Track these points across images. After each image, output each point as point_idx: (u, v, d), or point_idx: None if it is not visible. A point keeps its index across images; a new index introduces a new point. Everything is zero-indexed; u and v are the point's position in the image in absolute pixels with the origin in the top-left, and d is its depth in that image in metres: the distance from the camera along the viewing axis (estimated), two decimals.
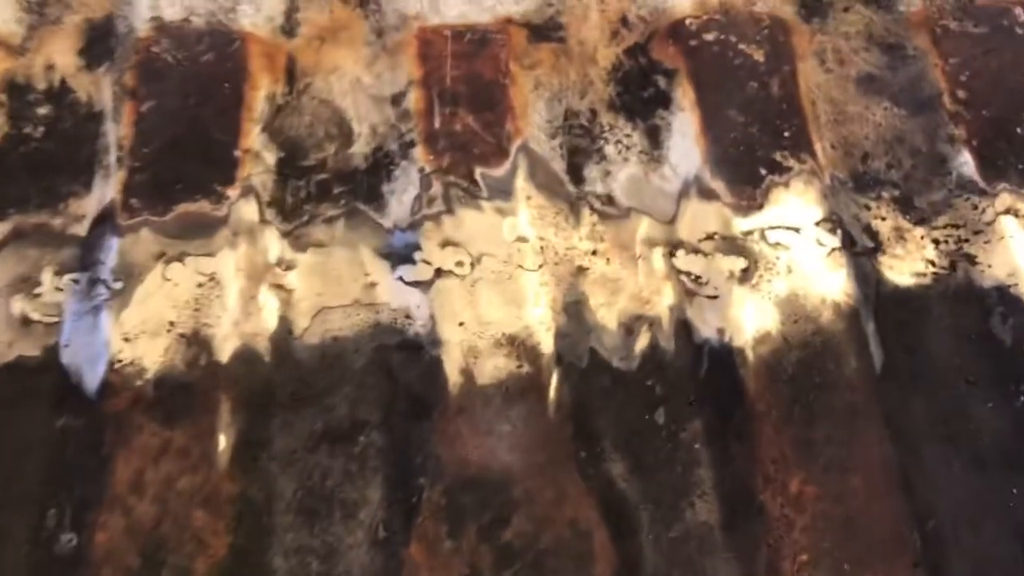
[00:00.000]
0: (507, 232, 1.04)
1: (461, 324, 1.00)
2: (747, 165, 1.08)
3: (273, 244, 1.04)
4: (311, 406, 0.96)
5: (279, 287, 1.02)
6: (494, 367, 0.98)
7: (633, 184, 1.11)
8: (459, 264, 1.03)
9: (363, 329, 1.02)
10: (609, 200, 1.10)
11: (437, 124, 1.10)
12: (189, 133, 1.06)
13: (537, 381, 0.98)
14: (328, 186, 1.09)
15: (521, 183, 1.07)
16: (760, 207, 1.05)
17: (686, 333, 1.03)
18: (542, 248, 1.05)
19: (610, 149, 1.12)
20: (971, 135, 1.05)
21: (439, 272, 1.03)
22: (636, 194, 1.10)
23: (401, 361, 1.00)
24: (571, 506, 0.86)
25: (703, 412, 0.93)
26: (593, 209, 1.09)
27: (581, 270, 1.06)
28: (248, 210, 1.04)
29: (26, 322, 0.92)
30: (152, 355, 0.94)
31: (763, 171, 1.08)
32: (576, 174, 1.11)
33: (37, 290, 0.99)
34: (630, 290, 1.05)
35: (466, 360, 0.98)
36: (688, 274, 1.05)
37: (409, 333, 1.01)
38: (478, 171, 1.07)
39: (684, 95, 1.12)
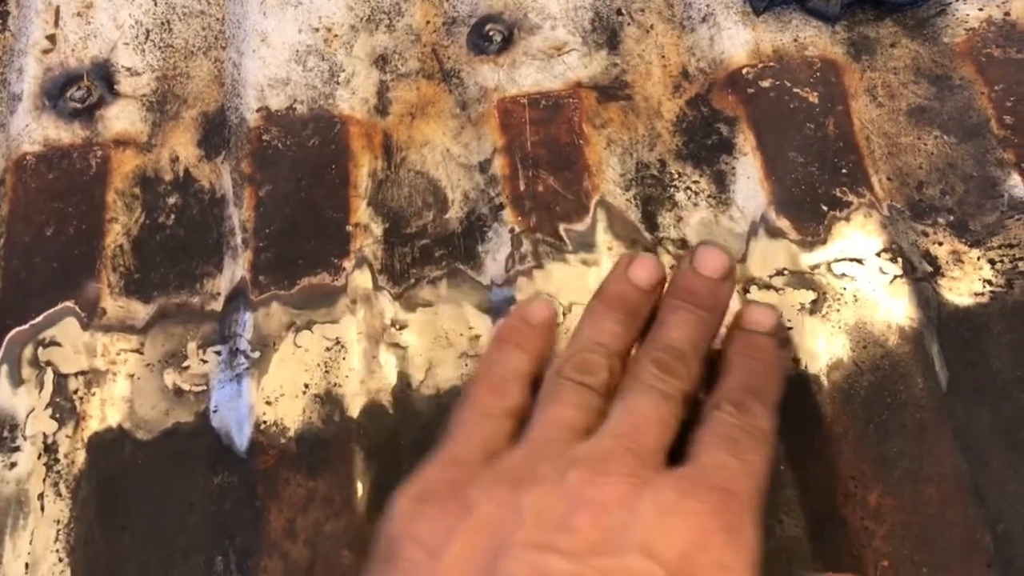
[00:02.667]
0: (593, 281, 1.05)
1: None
2: (809, 203, 1.10)
3: (387, 307, 1.08)
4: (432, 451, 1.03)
5: (395, 345, 1.06)
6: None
7: (704, 227, 1.13)
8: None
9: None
10: (683, 244, 1.11)
11: (522, 187, 1.14)
12: (304, 212, 1.11)
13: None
14: (430, 250, 1.12)
15: (602, 235, 1.10)
16: (824, 242, 1.08)
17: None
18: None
19: (680, 196, 1.15)
20: (1019, 158, 1.13)
21: None
22: (707, 236, 1.12)
23: None
24: None
25: (784, 437, 1.02)
26: (669, 253, 1.11)
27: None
28: (363, 278, 1.08)
29: (178, 392, 1.04)
30: (292, 415, 1.00)
31: (824, 207, 1.10)
32: (651, 221, 1.13)
33: (185, 363, 1.05)
34: None
35: None
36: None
37: None
38: (562, 227, 1.11)
39: (746, 140, 1.15)
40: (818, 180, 1.12)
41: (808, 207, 1.10)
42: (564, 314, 1.07)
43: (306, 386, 1.07)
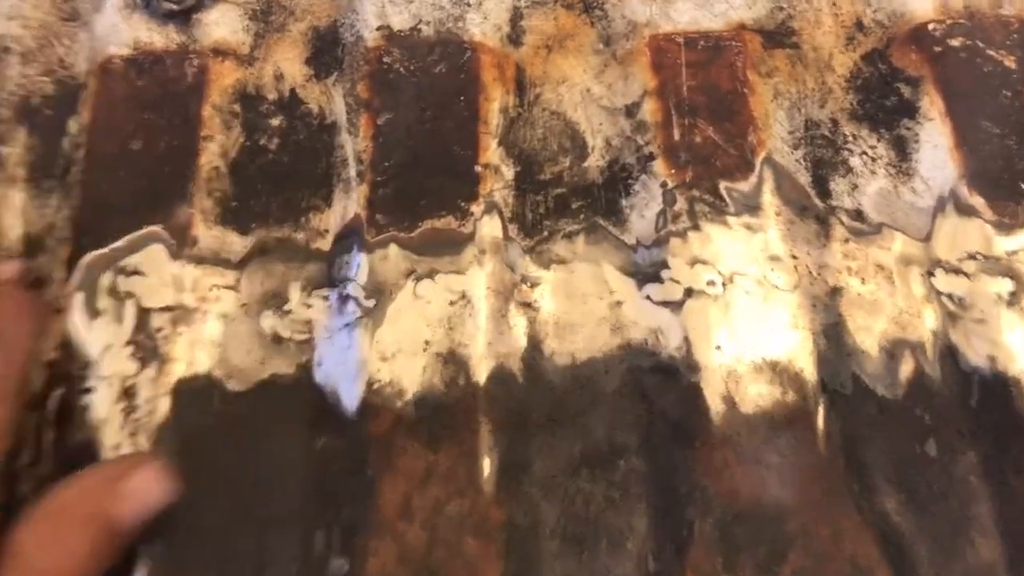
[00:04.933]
0: (759, 249, 0.98)
1: (718, 348, 0.95)
2: (1007, 179, 1.00)
3: (518, 260, 0.99)
4: (568, 428, 0.93)
5: (527, 305, 0.98)
6: (758, 394, 0.93)
7: (883, 198, 1.04)
8: (711, 284, 0.98)
9: (612, 350, 0.97)
10: (859, 215, 1.02)
11: (676, 136, 1.05)
12: (429, 147, 1.02)
13: (804, 410, 0.93)
14: (566, 200, 1.03)
15: (769, 197, 1.01)
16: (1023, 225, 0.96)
17: (952, 360, 0.96)
18: (795, 267, 0.99)
19: (856, 161, 1.05)
20: None
21: (689, 292, 0.98)
22: (887, 209, 1.03)
23: (656, 385, 0.95)
24: (850, 542, 0.82)
25: (977, 444, 0.91)
26: (843, 224, 1.02)
27: (836, 290, 0.99)
28: (492, 226, 0.99)
29: (277, 339, 0.94)
30: (410, 375, 0.91)
31: (1023, 185, 0.99)
32: (822, 187, 1.04)
33: (286, 307, 0.98)
34: (889, 312, 0.98)
35: (727, 386, 0.93)
36: (950, 296, 0.98)
37: (663, 356, 0.96)
38: (723, 185, 1.02)
39: (932, 104, 1.05)
40: (1016, 155, 1.01)
41: (1005, 184, 0.99)
42: (724, 284, 1.00)
43: (427, 343, 0.96)
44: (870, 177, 1.04)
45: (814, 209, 1.01)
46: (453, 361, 0.93)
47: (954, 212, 0.99)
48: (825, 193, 1.04)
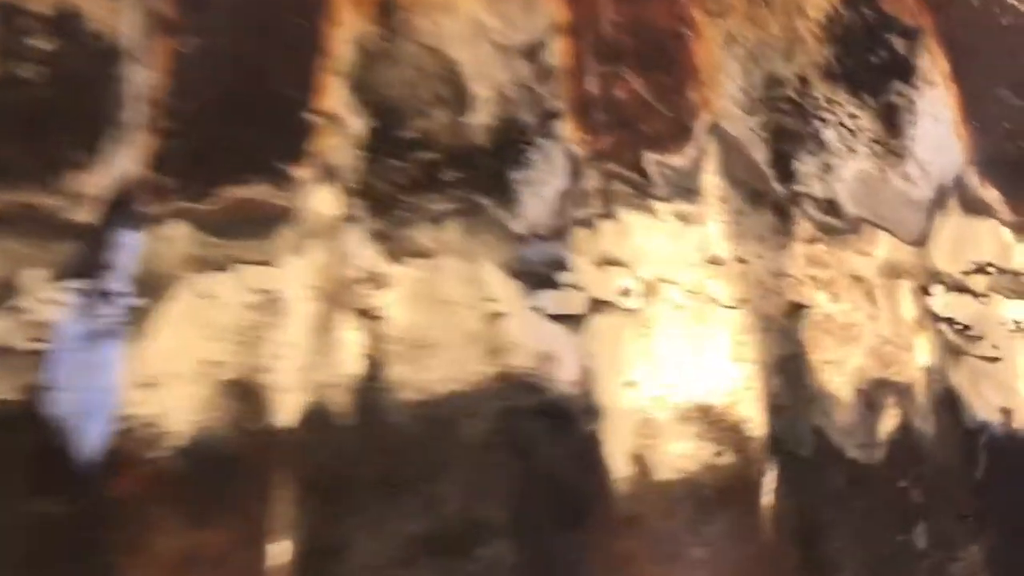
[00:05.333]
0: (694, 248, 0.83)
1: (630, 385, 0.78)
2: None
3: (359, 250, 0.79)
4: (410, 495, 0.74)
5: (367, 314, 0.78)
6: (681, 454, 0.76)
7: (865, 186, 0.88)
8: (625, 293, 0.80)
9: (484, 382, 0.78)
10: (831, 207, 0.87)
11: (592, 88, 0.86)
12: (246, 85, 0.81)
13: (745, 479, 0.76)
14: (437, 170, 0.83)
15: (711, 177, 0.85)
16: None
17: (952, 411, 0.82)
18: (743, 274, 0.83)
19: (830, 134, 0.89)
20: None
21: (596, 304, 0.80)
22: (869, 200, 0.88)
23: (540, 436, 0.77)
24: None
25: (985, 533, 0.77)
26: (810, 218, 0.86)
27: (798, 309, 0.83)
28: (325, 200, 0.79)
29: (3, 348, 0.70)
30: (183, 410, 0.70)
31: None
32: (784, 167, 0.88)
33: (16, 301, 0.72)
34: (868, 342, 0.82)
35: (638, 441, 0.76)
36: (951, 322, 0.84)
37: (552, 393, 0.78)
38: (650, 158, 0.85)
39: (933, 64, 0.91)
40: None
41: None
42: (644, 295, 0.80)
43: (212, 364, 0.72)
44: (848, 156, 0.90)
45: (771, 196, 0.86)
46: (247, 394, 0.72)
47: (959, 208, 0.87)
48: (787, 175, 0.89)
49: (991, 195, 0.86)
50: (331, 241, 0.78)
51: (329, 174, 0.80)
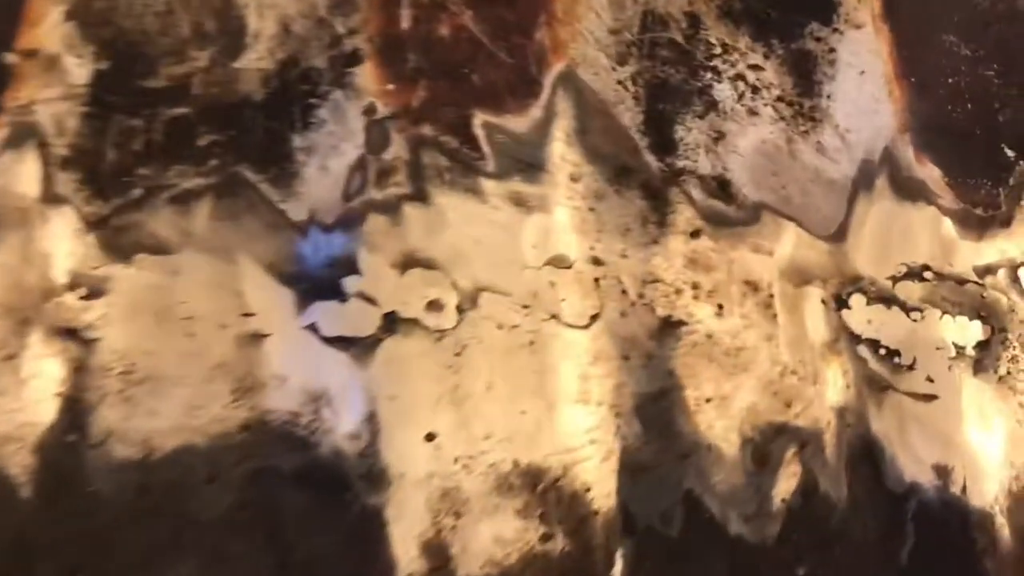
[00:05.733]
0: (531, 244, 0.66)
1: (430, 439, 0.61)
2: (982, 138, 0.72)
3: (67, 244, 0.62)
4: None
5: (71, 336, 0.61)
6: (495, 538, 0.59)
7: (768, 160, 0.72)
8: (433, 307, 0.64)
9: (229, 433, 0.61)
10: (723, 189, 0.71)
11: (404, 24, 0.70)
12: None
13: (582, 570, 0.59)
14: (189, 130, 0.66)
15: (561, 148, 0.68)
16: (1009, 221, 0.71)
17: (872, 469, 0.66)
18: (598, 280, 0.66)
19: (725, 91, 0.73)
20: None
21: (393, 323, 0.63)
22: (773, 179, 0.71)
23: (303, 512, 0.60)
24: None
25: None
26: (694, 204, 0.70)
27: (671, 328, 0.67)
28: (19, 173, 0.62)
29: None
30: None
31: (1010, 153, 0.72)
32: (662, 135, 0.71)
33: None
34: (764, 372, 0.66)
35: (438, 521, 0.59)
36: (875, 345, 0.68)
37: (322, 451, 0.61)
38: (480, 120, 0.68)
39: (860, 0, 0.75)
40: (1000, 96, 0.72)
41: (981, 147, 0.71)
42: (461, 311, 0.65)
43: None
44: (748, 121, 0.73)
45: (643, 173, 0.69)
46: None
47: (889, 191, 0.70)
48: (666, 145, 0.72)
49: (930, 174, 0.70)
50: (23, 231, 0.62)
51: (29, 134, 0.64)
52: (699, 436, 0.64)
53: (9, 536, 0.57)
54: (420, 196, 0.66)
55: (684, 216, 0.69)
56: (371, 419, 0.62)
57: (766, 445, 0.65)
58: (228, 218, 0.65)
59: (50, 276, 0.62)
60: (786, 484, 0.64)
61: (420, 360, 0.62)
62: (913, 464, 0.64)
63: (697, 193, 0.70)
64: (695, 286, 0.67)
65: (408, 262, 0.65)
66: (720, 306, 0.67)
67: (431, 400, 0.62)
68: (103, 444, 0.59)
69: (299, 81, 0.69)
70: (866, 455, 0.65)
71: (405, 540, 0.59)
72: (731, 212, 0.70)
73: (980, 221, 0.69)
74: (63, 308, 0.61)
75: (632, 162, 0.69)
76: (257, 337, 0.63)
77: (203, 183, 0.65)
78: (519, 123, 0.68)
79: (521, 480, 0.60)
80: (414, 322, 0.64)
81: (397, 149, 0.67)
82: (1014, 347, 0.68)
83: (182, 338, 0.62)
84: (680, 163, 0.70)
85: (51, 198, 0.63)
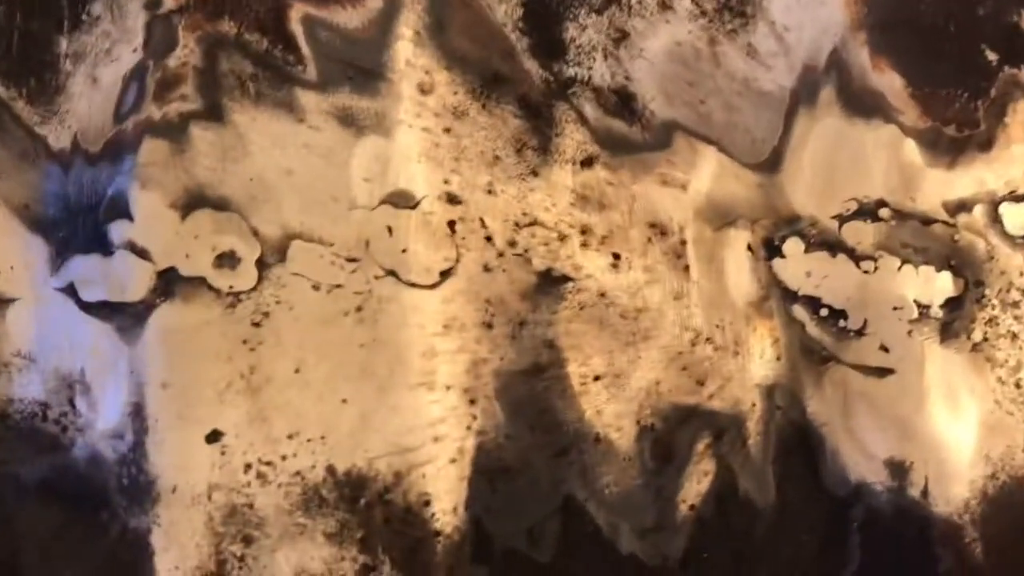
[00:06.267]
0: (363, 176, 0.54)
1: (214, 439, 0.50)
2: (958, 39, 0.61)
3: None
4: None
5: None
6: (297, 571, 0.49)
7: (683, 67, 0.60)
8: (226, 260, 0.52)
9: None
10: (624, 102, 0.58)
11: None
12: None
13: None
14: None
15: (407, 48, 0.55)
16: (989, 143, 0.59)
17: (808, 465, 0.55)
18: (452, 224, 0.54)
19: None
20: None
21: (169, 280, 0.51)
22: (689, 92, 0.59)
23: (48, 536, 0.49)
24: None
25: None
26: (586, 123, 0.57)
27: (549, 281, 0.55)
28: None
29: None
30: None
31: (992, 55, 0.61)
32: (545, 32, 0.59)
33: None
34: (670, 340, 0.55)
35: (221, 547, 0.49)
36: (815, 305, 0.57)
37: (74, 451, 0.50)
38: (297, 11, 0.55)
39: None
40: None
41: (955, 51, 0.63)
42: (264, 266, 0.55)
43: None
44: (658, 16, 0.61)
45: (520, 83, 0.58)
46: None
47: (837, 106, 0.61)
48: (552, 48, 0.60)
49: (890, 83, 0.59)
50: None
51: None
52: (583, 425, 0.54)
53: None
54: (213, 114, 0.54)
55: (573, 139, 0.58)
56: (137, 413, 0.51)
57: (670, 435, 0.55)
58: None
59: None
60: (696, 486, 0.54)
61: (205, 333, 0.52)
62: (860, 459, 0.55)
63: (591, 110, 0.59)
64: (584, 230, 0.57)
65: (193, 202, 0.53)
66: (616, 256, 0.57)
67: (217, 387, 0.51)
68: None
69: None
70: (801, 447, 0.56)
71: (182, 564, 0.49)
72: (634, 134, 0.60)
73: (952, 143, 0.58)
74: None
75: (505, 69, 0.59)
76: (2, 303, 0.53)
77: None
78: (351, 16, 0.56)
79: (336, 493, 0.51)
80: (199, 281, 0.52)
81: (186, 52, 0.55)
82: (993, 305, 0.57)
83: None
84: (570, 71, 0.60)
85: None
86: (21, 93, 0.57)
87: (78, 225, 0.54)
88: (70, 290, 0.53)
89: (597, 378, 0.57)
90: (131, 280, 0.53)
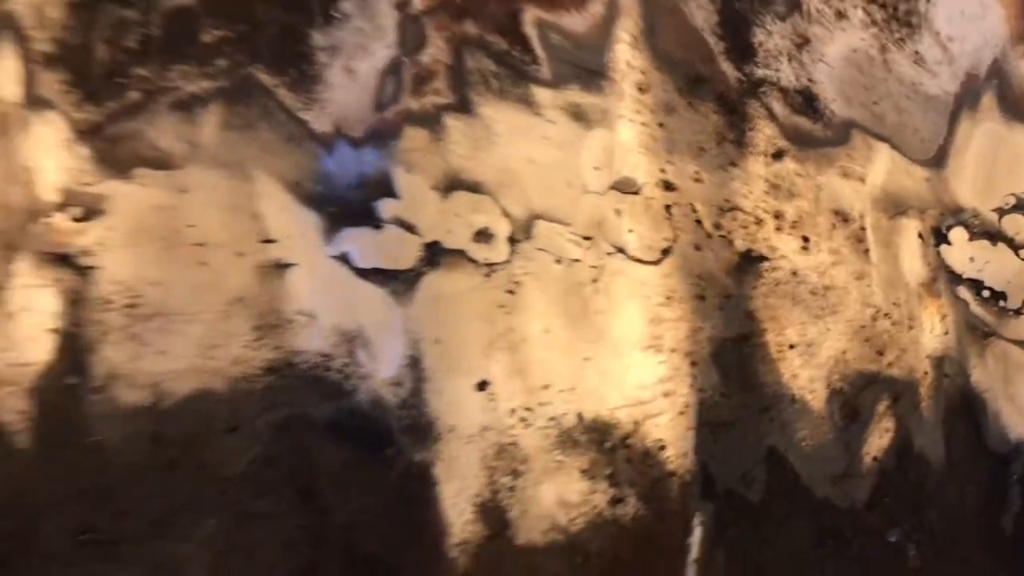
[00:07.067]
0: (593, 164, 0.61)
1: (483, 388, 0.57)
2: None
3: (52, 155, 0.56)
4: (126, 560, 0.53)
5: (64, 264, 0.56)
6: (558, 502, 0.56)
7: (858, 72, 0.66)
8: (482, 236, 0.59)
9: (251, 376, 0.57)
10: (807, 101, 0.65)
11: None
12: None
13: (658, 537, 0.57)
14: (191, 24, 0.60)
15: (626, 51, 0.62)
16: None
17: (972, 425, 0.62)
18: (668, 208, 0.61)
19: None
20: None
21: (436, 254, 0.59)
22: (864, 94, 0.66)
23: (338, 468, 0.56)
24: None
25: None
26: (774, 119, 0.64)
27: (749, 260, 0.62)
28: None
29: None
30: None
31: None
32: (738, 38, 0.65)
33: None
34: (854, 314, 0.62)
35: (494, 479, 0.56)
36: (978, 286, 0.63)
37: (358, 398, 0.57)
38: (531, 15, 0.61)
39: None
40: None
41: None
42: (513, 241, 0.59)
43: None
44: (835, 25, 0.68)
45: (718, 83, 0.64)
46: None
47: (997, 110, 0.65)
48: (744, 51, 0.66)
49: None
50: (2, 141, 0.57)
51: (2, 27, 0.58)
52: (782, 387, 0.65)
53: (7, 492, 0.57)
54: (464, 107, 0.64)
55: (764, 134, 0.69)
56: (414, 364, 0.61)
57: (856, 397, 0.64)
58: (241, 128, 0.65)
59: (36, 194, 0.60)
60: (878, 441, 0.64)
61: (468, 298, 0.62)
62: (1020, 421, 0.63)
63: (779, 108, 0.70)
64: (778, 215, 0.68)
65: (451, 184, 0.63)
66: (806, 239, 0.68)
67: (481, 344, 0.61)
68: (107, 388, 0.59)
69: None
70: (966, 410, 0.65)
71: (457, 502, 0.59)
72: (818, 131, 0.70)
73: None
74: (53, 230, 0.60)
75: (705, 70, 0.69)
76: (280, 267, 0.62)
77: (211, 87, 0.63)
78: (577, 21, 0.66)
79: (587, 436, 0.61)
80: (460, 254, 0.62)
81: (436, 51, 0.65)
82: None
83: (194, 267, 0.62)
84: (760, 72, 0.70)
85: (34, 102, 0.63)
86: (283, 81, 0.67)
87: (346, 200, 0.64)
88: (343, 258, 0.62)
89: (792, 347, 0.67)
90: (402, 251, 0.63)
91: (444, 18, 0.66)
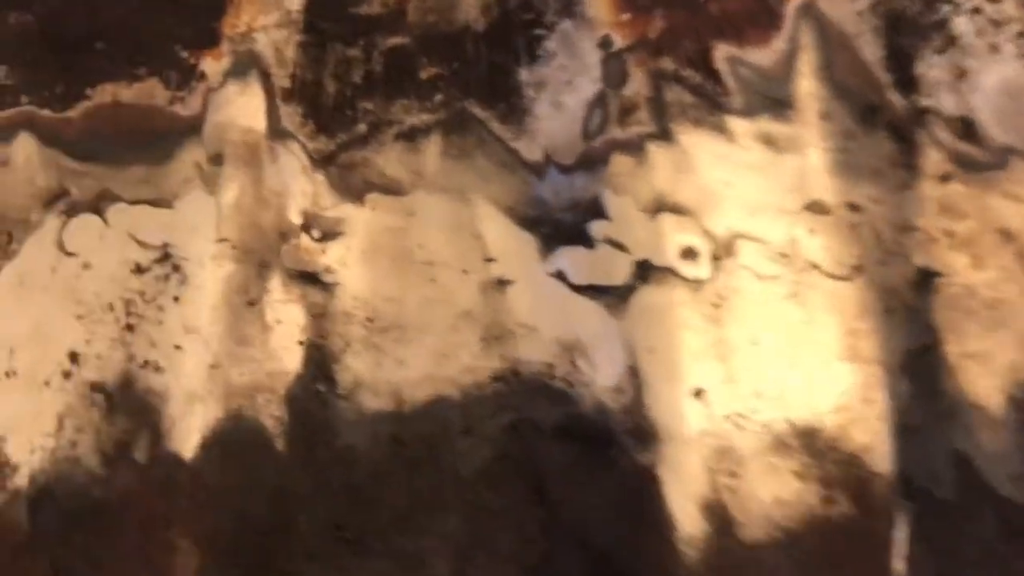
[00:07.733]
0: (787, 188, 0.64)
1: (698, 394, 0.61)
2: None
3: (295, 181, 0.62)
4: (373, 555, 0.58)
5: (311, 279, 0.61)
6: (775, 501, 0.59)
7: (1012, 100, 0.68)
8: (689, 255, 0.63)
9: (481, 383, 0.61)
10: (968, 130, 0.67)
11: None
12: None
13: (866, 533, 0.59)
14: (410, 62, 0.65)
15: (808, 83, 0.66)
16: None
17: None
18: (856, 227, 0.64)
19: (963, 24, 0.69)
20: None
21: (646, 270, 0.63)
22: (1019, 120, 0.67)
23: (567, 468, 0.60)
24: None
25: None
26: (940, 145, 0.67)
27: (926, 276, 0.65)
28: (245, 105, 0.62)
29: None
30: (28, 438, 0.55)
31: None
32: (902, 71, 0.68)
33: None
34: (1021, 327, 0.64)
35: (715, 481, 0.59)
36: None
37: (582, 404, 0.61)
38: (722, 52, 0.66)
39: None
40: None
41: None
42: (716, 257, 0.63)
43: (72, 359, 0.56)
44: (989, 57, 0.69)
45: (887, 112, 0.67)
46: (125, 404, 0.55)
47: None
48: (908, 82, 0.69)
49: None
50: (254, 169, 0.63)
51: (252, 64, 0.64)
52: (963, 395, 0.67)
53: (268, 489, 0.62)
54: (665, 135, 0.68)
55: (932, 159, 0.71)
56: (634, 373, 0.64)
57: None
58: (460, 156, 0.69)
59: (285, 216, 0.64)
60: None
61: (679, 311, 0.65)
62: None
63: (943, 135, 0.71)
64: (949, 234, 0.70)
65: (657, 206, 0.66)
66: (976, 256, 0.69)
67: (694, 354, 0.64)
68: (352, 395, 0.63)
69: (521, 9, 0.72)
70: None
71: (682, 500, 0.62)
72: (980, 155, 0.72)
73: None
74: (300, 250, 0.64)
75: (877, 100, 0.71)
76: (501, 283, 0.66)
77: (430, 119, 0.68)
78: (762, 56, 0.69)
79: (796, 441, 0.64)
80: (668, 271, 0.65)
81: (637, 84, 0.68)
82: None
83: (425, 284, 0.66)
84: (924, 102, 0.72)
85: (277, 133, 0.67)
86: (495, 114, 0.71)
87: (559, 221, 0.68)
88: (559, 275, 0.66)
89: (969, 356, 0.70)
90: (614, 268, 0.66)
91: (643, 55, 0.69)
